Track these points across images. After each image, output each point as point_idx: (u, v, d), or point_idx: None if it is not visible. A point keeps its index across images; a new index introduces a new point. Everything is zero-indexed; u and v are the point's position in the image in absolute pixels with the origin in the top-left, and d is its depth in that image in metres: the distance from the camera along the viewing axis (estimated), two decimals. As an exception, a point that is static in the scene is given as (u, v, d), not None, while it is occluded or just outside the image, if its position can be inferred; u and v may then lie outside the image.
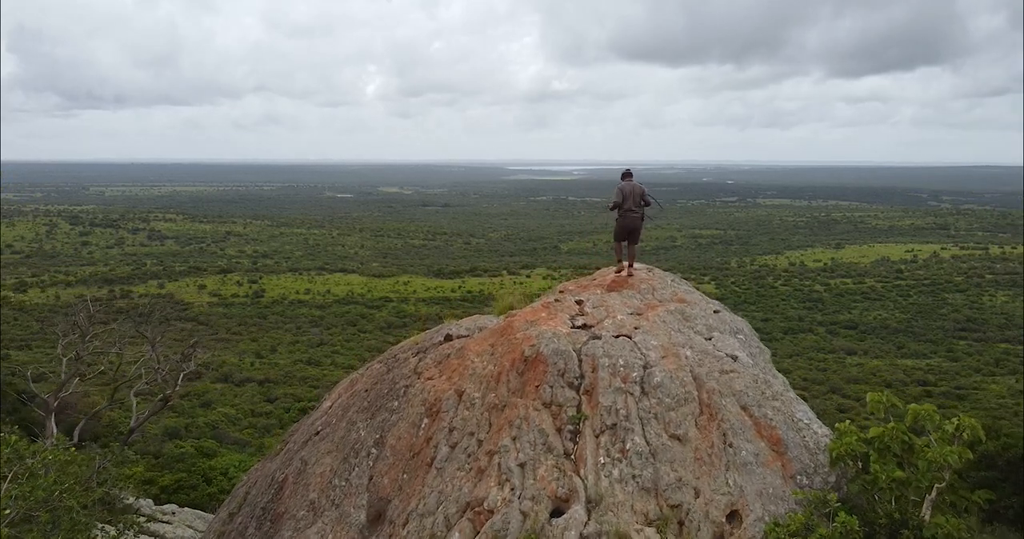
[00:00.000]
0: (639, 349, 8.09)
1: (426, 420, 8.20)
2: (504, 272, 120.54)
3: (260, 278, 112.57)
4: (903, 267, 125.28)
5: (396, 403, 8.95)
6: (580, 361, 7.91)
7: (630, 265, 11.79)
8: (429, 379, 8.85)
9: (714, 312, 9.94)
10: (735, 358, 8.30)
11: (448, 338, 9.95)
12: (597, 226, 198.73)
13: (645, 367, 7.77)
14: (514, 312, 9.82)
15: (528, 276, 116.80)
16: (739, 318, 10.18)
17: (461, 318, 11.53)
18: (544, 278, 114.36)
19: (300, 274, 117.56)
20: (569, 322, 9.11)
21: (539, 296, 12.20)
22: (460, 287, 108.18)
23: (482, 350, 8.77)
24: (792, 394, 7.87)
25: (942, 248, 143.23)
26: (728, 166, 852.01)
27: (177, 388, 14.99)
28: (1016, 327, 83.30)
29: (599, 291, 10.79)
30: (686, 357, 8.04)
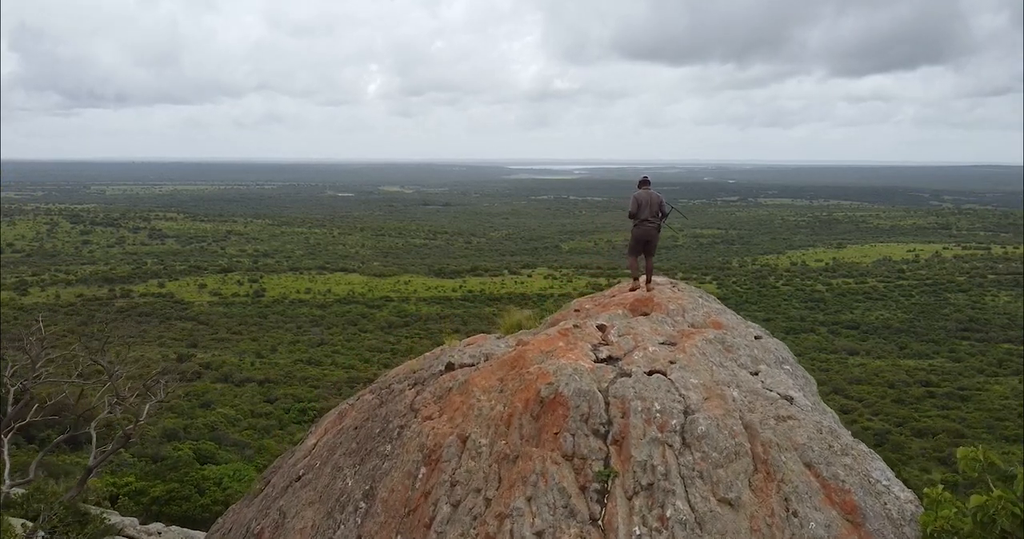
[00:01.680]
0: (677, 389, 6.92)
1: (424, 470, 7.11)
2: (505, 271, 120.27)
3: (261, 277, 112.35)
4: (905, 267, 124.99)
5: (389, 447, 7.87)
6: (607, 404, 6.77)
7: (648, 279, 10.87)
8: (428, 419, 7.74)
9: (755, 338, 8.82)
10: (790, 400, 7.08)
11: (449, 367, 8.73)
12: (598, 225, 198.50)
13: (685, 412, 6.55)
14: (525, 339, 8.67)
15: (529, 275, 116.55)
16: (781, 344, 9.20)
17: (464, 335, 10.65)
18: (545, 278, 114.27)
19: (301, 273, 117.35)
20: (591, 353, 7.90)
21: (543, 312, 11.19)
22: (461, 286, 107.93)
23: (489, 385, 7.65)
24: (863, 446, 6.66)
25: (944, 248, 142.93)
26: (729, 165, 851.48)
27: (140, 423, 13.49)
28: (1019, 327, 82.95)
29: (620, 311, 9.61)
30: (733, 399, 6.82)
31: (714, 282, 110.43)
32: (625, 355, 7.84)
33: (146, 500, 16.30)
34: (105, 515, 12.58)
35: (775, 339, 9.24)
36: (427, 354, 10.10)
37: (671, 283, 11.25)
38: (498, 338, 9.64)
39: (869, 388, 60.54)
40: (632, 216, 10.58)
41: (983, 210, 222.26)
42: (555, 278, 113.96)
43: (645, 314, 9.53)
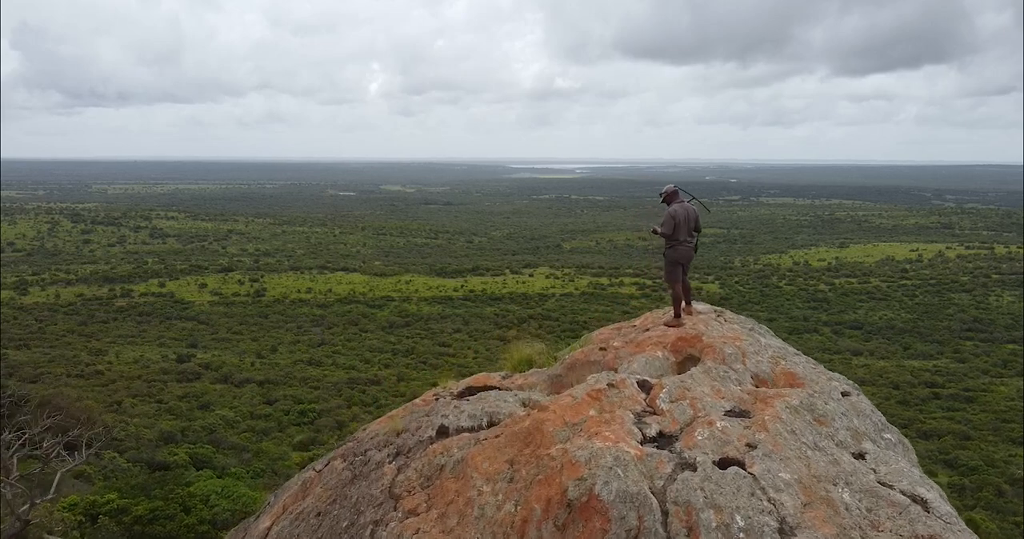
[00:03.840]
0: (764, 492, 4.89)
1: None
2: (507, 271, 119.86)
3: (261, 277, 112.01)
4: (908, 267, 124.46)
5: (360, 554, 6.05)
6: (665, 514, 4.81)
7: (687, 301, 9.19)
8: (411, 514, 5.96)
9: (842, 395, 6.85)
10: (924, 503, 5.01)
11: (442, 432, 6.91)
12: (600, 225, 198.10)
13: (781, 531, 4.58)
14: (543, 402, 6.67)
15: (531, 275, 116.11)
16: (867, 402, 7.16)
17: (460, 375, 9.37)
18: (547, 277, 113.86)
19: (302, 273, 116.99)
20: (635, 428, 5.88)
21: (557, 343, 9.61)
22: (463, 286, 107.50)
23: (495, 470, 5.85)
24: None
25: (947, 247, 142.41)
26: (731, 165, 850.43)
27: (38, 503, 10.87)
28: (1023, 328, 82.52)
29: (661, 354, 7.71)
30: (846, 507, 4.84)
31: (716, 282, 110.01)
32: (682, 431, 5.86)
33: (128, 519, 15.57)
34: None
35: (864, 397, 7.24)
36: (414, 405, 8.22)
37: (715, 311, 9.44)
38: (504, 377, 8.42)
39: (874, 389, 60.04)
40: (667, 236, 8.88)
41: (985, 209, 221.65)
42: (557, 278, 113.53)
43: (693, 357, 7.64)
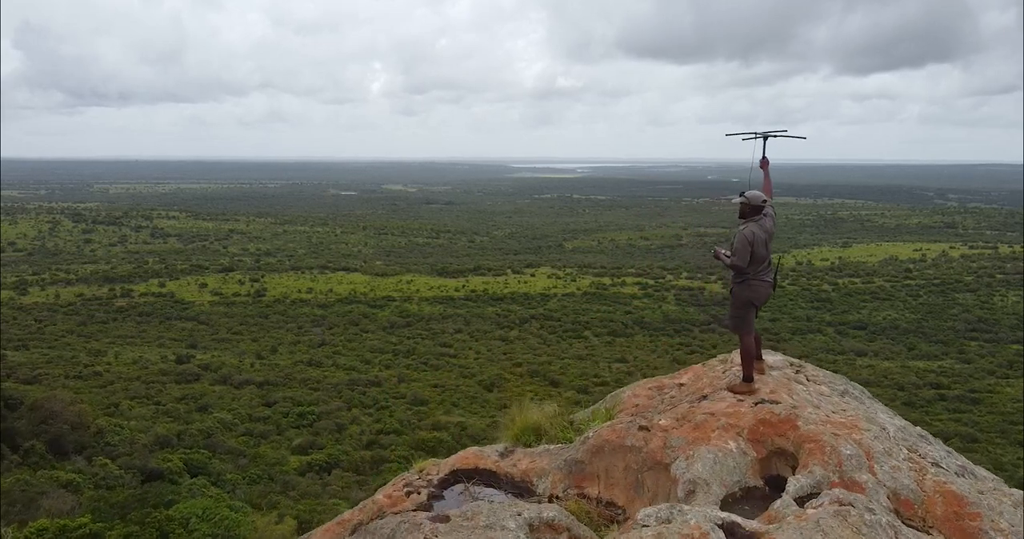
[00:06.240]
0: None
1: None
2: (508, 271, 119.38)
3: (262, 277, 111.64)
4: (912, 266, 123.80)
5: None
6: None
7: (759, 356, 6.92)
8: None
9: None
10: None
11: None
12: (602, 224, 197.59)
13: None
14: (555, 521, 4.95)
15: (532, 275, 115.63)
16: None
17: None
18: (548, 277, 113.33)
19: (302, 273, 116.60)
20: None
21: (571, 403, 7.15)
22: (464, 286, 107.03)
23: None
24: None
25: (951, 247, 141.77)
26: (733, 164, 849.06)
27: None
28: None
29: (734, 446, 5.47)
30: None
31: (719, 282, 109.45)
32: None
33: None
34: None
35: None
36: (376, 505, 5.87)
37: (790, 364, 7.20)
38: (502, 455, 6.48)
39: (879, 390, 59.47)
40: (741, 269, 6.49)
41: (989, 209, 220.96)
42: (559, 277, 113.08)
43: (783, 453, 5.39)
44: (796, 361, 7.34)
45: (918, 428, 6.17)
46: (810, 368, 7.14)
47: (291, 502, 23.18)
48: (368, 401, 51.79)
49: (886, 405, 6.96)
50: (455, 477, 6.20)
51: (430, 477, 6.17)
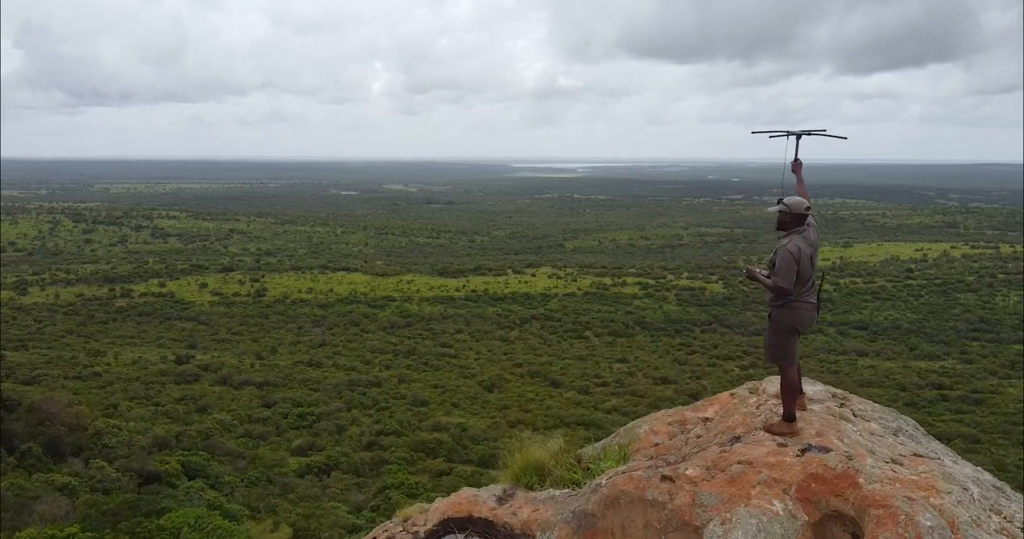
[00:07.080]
0: None
1: None
2: (509, 270, 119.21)
3: (262, 277, 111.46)
4: (913, 266, 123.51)
5: None
6: None
7: (800, 389, 5.99)
8: None
9: None
10: None
11: None
12: (602, 224, 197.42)
13: None
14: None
15: (533, 274, 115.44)
16: None
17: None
18: (549, 277, 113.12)
19: (303, 272, 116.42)
20: None
21: (577, 438, 6.77)
22: (464, 286, 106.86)
23: None
24: None
25: (952, 247, 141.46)
26: (734, 164, 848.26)
27: None
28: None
29: (780, 507, 4.63)
30: None
31: (720, 282, 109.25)
32: None
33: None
34: None
35: None
36: None
37: (834, 397, 6.44)
38: (500, 501, 5.81)
39: (880, 391, 59.28)
40: (786, 292, 5.56)
41: (990, 209, 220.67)
42: (559, 277, 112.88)
43: (841, 517, 4.47)
44: (839, 392, 6.55)
45: (989, 476, 5.33)
46: (856, 400, 6.32)
47: (289, 505, 23.00)
48: (368, 402, 51.62)
49: (879, 401, 6.35)
50: (445, 527, 5.46)
51: (416, 528, 5.40)
